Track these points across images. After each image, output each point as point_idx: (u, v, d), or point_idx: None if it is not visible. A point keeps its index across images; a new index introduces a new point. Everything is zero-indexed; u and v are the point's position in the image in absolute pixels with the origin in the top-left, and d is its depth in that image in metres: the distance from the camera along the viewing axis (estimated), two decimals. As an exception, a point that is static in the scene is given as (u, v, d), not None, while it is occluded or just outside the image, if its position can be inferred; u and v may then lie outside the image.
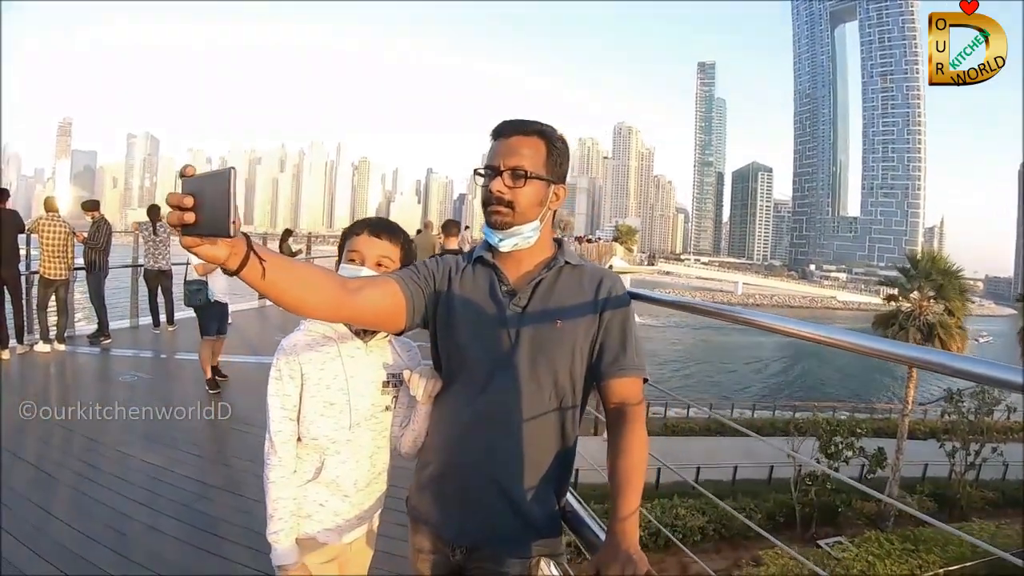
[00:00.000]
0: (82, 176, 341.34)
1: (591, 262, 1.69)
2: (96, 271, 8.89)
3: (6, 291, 7.69)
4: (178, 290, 7.61)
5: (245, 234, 1.05)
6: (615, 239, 70.07)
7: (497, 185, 1.51)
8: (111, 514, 3.84)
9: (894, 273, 25.39)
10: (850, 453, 20.10)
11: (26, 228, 8.11)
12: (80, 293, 9.32)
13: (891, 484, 20.03)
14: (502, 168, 1.51)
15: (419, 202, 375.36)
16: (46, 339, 8.08)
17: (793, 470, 19.61)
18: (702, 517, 16.68)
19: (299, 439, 1.75)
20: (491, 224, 1.54)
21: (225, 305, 6.83)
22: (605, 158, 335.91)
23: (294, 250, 13.40)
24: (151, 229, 9.69)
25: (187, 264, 6.68)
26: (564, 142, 1.58)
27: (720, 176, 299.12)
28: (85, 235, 8.77)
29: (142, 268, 9.95)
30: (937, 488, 21.56)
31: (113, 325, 9.11)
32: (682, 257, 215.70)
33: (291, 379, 1.72)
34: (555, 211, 1.60)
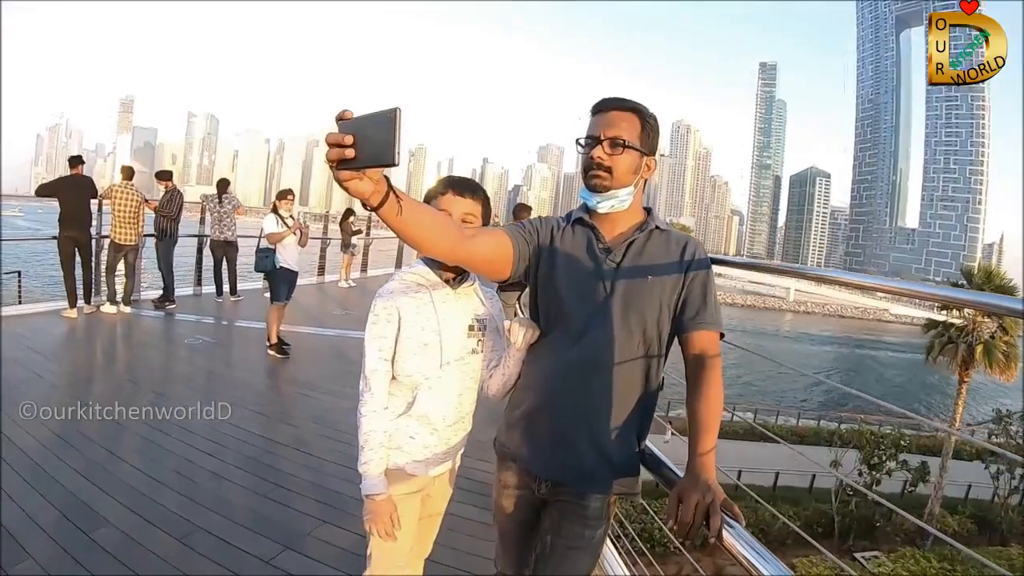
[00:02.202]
0: (142, 152, 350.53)
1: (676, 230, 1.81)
2: (166, 239, 9.19)
3: (77, 253, 8.03)
4: (247, 260, 7.88)
5: (386, 177, 1.20)
6: (667, 237, 69.71)
7: (598, 152, 1.66)
8: (179, 461, 4.04)
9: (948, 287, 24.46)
10: (892, 465, 19.75)
11: (99, 194, 8.46)
12: (147, 259, 9.62)
13: (933, 502, 19.67)
14: (602, 138, 1.66)
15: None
16: (113, 301, 8.41)
17: (835, 480, 19.33)
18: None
19: (393, 378, 1.88)
20: (591, 187, 1.70)
21: (295, 274, 7.11)
22: (662, 155, 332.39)
23: (354, 230, 13.61)
24: (217, 200, 10.03)
25: (259, 235, 6.95)
26: (656, 119, 1.73)
27: (777, 179, 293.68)
28: (157, 203, 9.08)
29: (208, 239, 10.29)
30: (979, 510, 21.05)
31: (177, 292, 9.41)
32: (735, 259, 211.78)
33: (388, 322, 1.84)
34: (647, 180, 1.74)
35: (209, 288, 10.47)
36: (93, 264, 8.45)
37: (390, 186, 1.21)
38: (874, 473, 19.75)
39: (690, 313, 1.67)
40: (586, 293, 1.69)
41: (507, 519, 1.88)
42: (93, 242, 8.44)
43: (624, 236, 1.73)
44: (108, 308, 8.37)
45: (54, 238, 8.02)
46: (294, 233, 7.02)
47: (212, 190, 10.30)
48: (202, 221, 10.53)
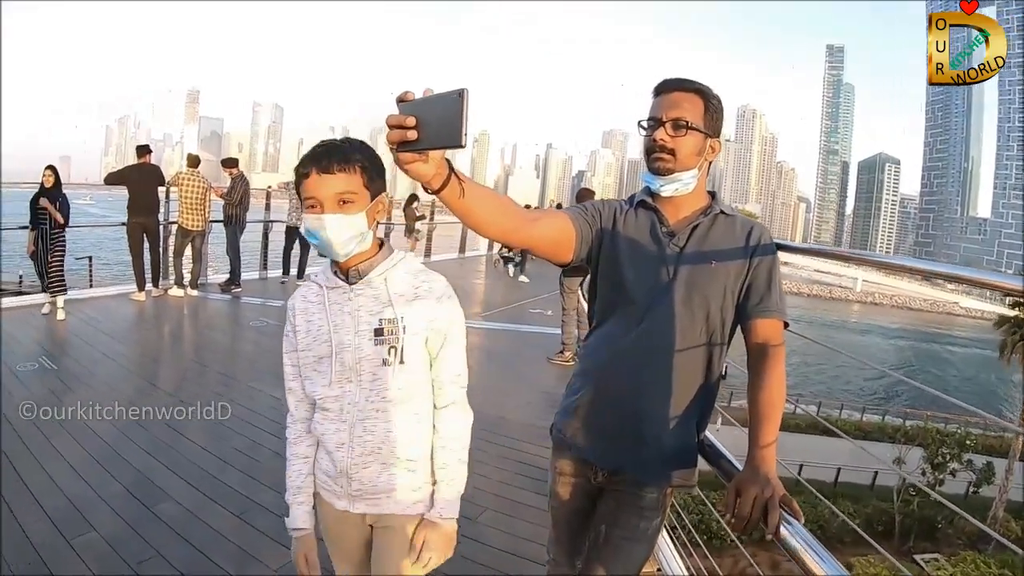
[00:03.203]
0: (209, 141, 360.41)
1: (741, 214, 1.76)
2: (232, 224, 9.39)
3: (145, 238, 8.30)
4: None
5: (448, 160, 1.19)
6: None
7: (660, 134, 1.61)
8: (242, 440, 4.16)
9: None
10: (956, 466, 19.16)
11: (166, 182, 8.72)
12: (215, 244, 9.88)
13: (997, 505, 19.04)
14: (664, 119, 1.61)
15: (538, 177, 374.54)
16: (180, 284, 8.70)
17: (897, 478, 18.84)
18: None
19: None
20: (653, 170, 1.65)
21: None
22: (727, 140, 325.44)
23: (417, 215, 13.74)
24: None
25: None
26: (719, 100, 1.67)
27: (845, 165, 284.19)
28: (223, 190, 9.31)
29: (283, 223, 10.46)
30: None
31: (243, 276, 9.63)
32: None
33: (292, 333, 1.61)
34: (711, 163, 1.70)
35: (275, 272, 10.73)
36: (161, 249, 8.74)
37: (451, 169, 1.21)
38: (937, 473, 19.19)
39: (754, 300, 1.62)
40: (648, 277, 1.65)
41: (562, 506, 1.87)
42: (161, 228, 8.72)
43: (688, 220, 1.68)
44: (175, 291, 8.65)
45: (123, 224, 8.33)
46: None
47: (278, 177, 10.51)
48: (267, 207, 10.77)
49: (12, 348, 5.98)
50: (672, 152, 1.61)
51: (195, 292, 8.82)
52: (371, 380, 1.53)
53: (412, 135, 1.05)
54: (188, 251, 8.86)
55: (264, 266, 11.01)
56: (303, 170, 1.44)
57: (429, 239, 15.12)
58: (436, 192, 1.21)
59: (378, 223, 1.55)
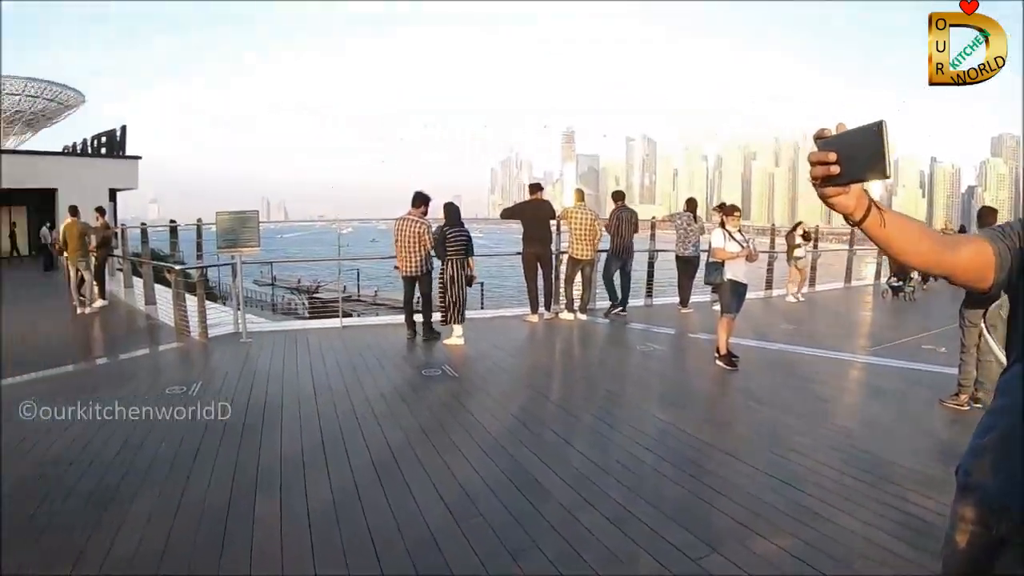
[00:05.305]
0: (587, 176, 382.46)
1: None
2: (612, 254, 9.94)
3: (539, 266, 9.26)
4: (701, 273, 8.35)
5: (867, 191, 1.22)
6: None
7: None
8: (622, 453, 4.40)
9: None
10: None
11: (557, 215, 9.61)
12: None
13: None
14: None
15: (923, 196, 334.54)
16: (570, 308, 9.51)
17: None
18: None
19: None
20: None
21: (744, 287, 7.10)
22: None
23: (795, 243, 13.27)
24: (691, 218, 10.59)
25: (708, 249, 7.22)
26: None
27: None
28: (606, 221, 9.90)
29: (658, 253, 11.10)
30: None
31: (629, 303, 10.18)
32: None
33: None
34: None
35: (660, 299, 11.26)
36: (553, 276, 9.64)
37: (871, 199, 1.22)
38: None
39: None
40: None
41: (955, 555, 1.64)
42: (553, 257, 9.64)
43: None
44: (565, 315, 9.48)
45: (518, 254, 9.44)
46: (744, 258, 6.98)
47: (655, 209, 10.92)
48: (652, 237, 11.28)
49: (417, 356, 7.27)
50: None
51: (584, 316, 9.53)
52: None
53: (835, 170, 1.11)
54: (578, 278, 9.59)
55: (649, 293, 11.47)
56: None
57: (813, 268, 14.48)
58: (858, 224, 1.23)
59: None
